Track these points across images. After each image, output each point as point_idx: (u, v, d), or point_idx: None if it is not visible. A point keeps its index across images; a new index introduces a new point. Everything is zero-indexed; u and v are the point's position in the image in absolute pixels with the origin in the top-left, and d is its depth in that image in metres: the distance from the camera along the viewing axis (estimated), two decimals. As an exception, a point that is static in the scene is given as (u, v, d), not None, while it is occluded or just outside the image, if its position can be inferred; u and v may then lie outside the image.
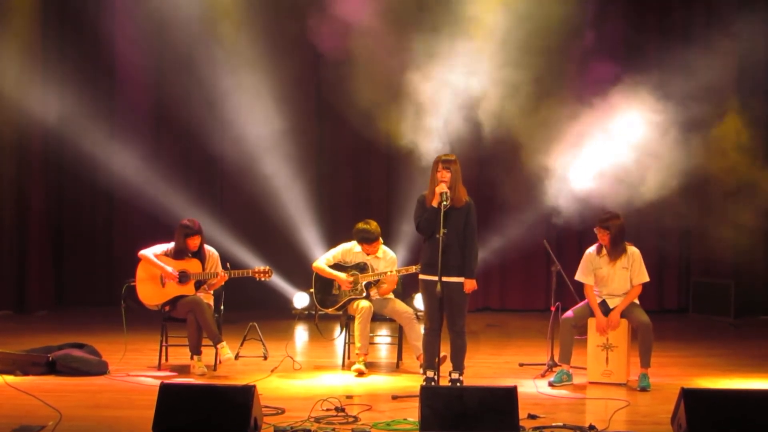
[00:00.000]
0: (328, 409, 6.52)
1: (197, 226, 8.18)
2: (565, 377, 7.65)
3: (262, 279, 8.24)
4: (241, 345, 8.71)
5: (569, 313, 7.84)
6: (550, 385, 7.59)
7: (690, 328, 11.37)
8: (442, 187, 7.01)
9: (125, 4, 11.82)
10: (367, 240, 8.28)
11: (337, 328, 8.73)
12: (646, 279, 7.81)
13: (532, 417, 6.40)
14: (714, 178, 11.43)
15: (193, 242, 8.15)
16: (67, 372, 7.74)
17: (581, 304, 7.95)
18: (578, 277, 7.95)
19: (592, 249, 7.94)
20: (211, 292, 8.28)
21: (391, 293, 8.34)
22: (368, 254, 8.33)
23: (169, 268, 8.06)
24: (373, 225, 8.32)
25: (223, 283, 8.25)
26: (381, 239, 8.40)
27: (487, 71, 11.02)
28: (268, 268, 8.22)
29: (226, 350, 7.95)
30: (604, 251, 7.85)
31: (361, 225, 8.35)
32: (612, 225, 7.77)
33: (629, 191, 10.94)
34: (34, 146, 11.80)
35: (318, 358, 8.87)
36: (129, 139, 11.95)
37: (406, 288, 8.79)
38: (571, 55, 11.37)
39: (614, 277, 7.80)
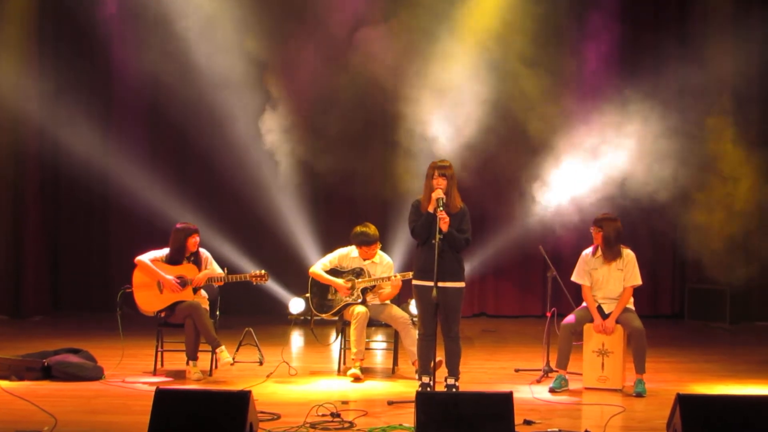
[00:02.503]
0: (323, 415, 6.51)
1: (194, 225, 8.23)
2: (563, 382, 7.65)
3: (259, 283, 8.26)
4: (237, 350, 8.69)
5: (570, 318, 7.83)
6: (551, 391, 7.57)
7: (686, 334, 11.38)
8: (438, 193, 7.02)
9: (121, 7, 11.83)
10: (365, 243, 8.28)
11: (333, 334, 8.72)
12: (639, 282, 7.82)
13: (528, 423, 6.40)
14: (709, 183, 11.49)
15: (193, 241, 8.17)
16: (63, 377, 7.73)
17: (581, 307, 7.94)
18: (574, 278, 7.96)
19: (588, 251, 7.96)
20: (206, 295, 8.29)
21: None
22: (365, 259, 8.34)
23: (169, 276, 8.06)
24: (371, 228, 8.33)
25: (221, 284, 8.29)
26: (379, 243, 8.40)
27: (484, 77, 11.11)
28: (264, 272, 8.23)
29: (225, 354, 7.95)
30: (600, 252, 7.86)
31: (359, 228, 8.35)
32: (606, 225, 7.79)
33: (625, 196, 10.99)
34: (30, 151, 11.79)
35: (314, 364, 8.86)
36: (125, 143, 11.96)
37: (401, 293, 8.78)
38: (566, 65, 11.46)
39: (609, 279, 7.80)
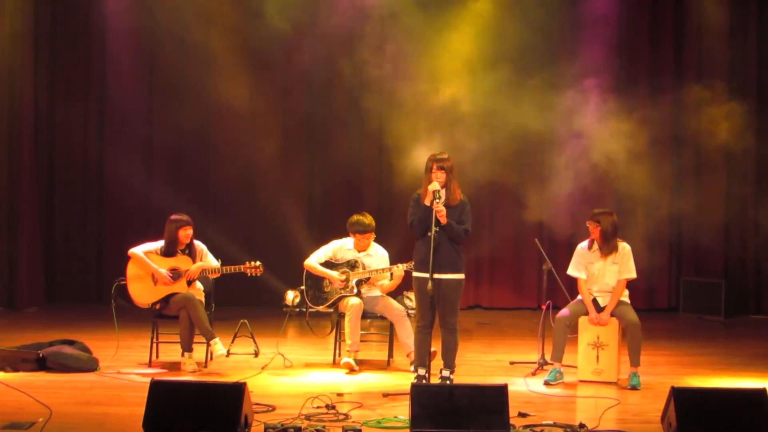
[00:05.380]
0: (318, 407, 6.52)
1: (188, 217, 8.20)
2: (558, 375, 7.66)
3: (254, 274, 8.25)
4: (232, 342, 8.70)
5: (565, 311, 7.83)
6: (546, 384, 7.57)
7: (680, 327, 11.39)
8: (435, 185, 7.05)
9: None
10: (359, 231, 8.28)
11: (328, 326, 8.72)
12: (633, 275, 7.82)
13: (522, 415, 6.41)
14: (705, 177, 11.50)
15: (185, 233, 8.14)
16: (58, 368, 7.72)
17: (575, 300, 7.95)
18: (570, 271, 7.97)
19: (583, 244, 7.96)
20: (201, 287, 8.28)
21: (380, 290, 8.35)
22: (360, 250, 8.34)
23: (163, 270, 8.04)
24: (368, 218, 8.34)
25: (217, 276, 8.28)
26: (374, 234, 8.40)
27: (479, 71, 11.10)
28: (259, 263, 8.22)
29: (219, 346, 7.94)
30: (596, 246, 7.87)
31: (355, 217, 8.36)
32: (603, 219, 7.79)
33: (620, 190, 10.99)
34: (25, 141, 11.72)
35: (309, 356, 8.85)
36: (121, 135, 11.94)
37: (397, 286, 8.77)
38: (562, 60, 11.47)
39: (605, 272, 7.80)
